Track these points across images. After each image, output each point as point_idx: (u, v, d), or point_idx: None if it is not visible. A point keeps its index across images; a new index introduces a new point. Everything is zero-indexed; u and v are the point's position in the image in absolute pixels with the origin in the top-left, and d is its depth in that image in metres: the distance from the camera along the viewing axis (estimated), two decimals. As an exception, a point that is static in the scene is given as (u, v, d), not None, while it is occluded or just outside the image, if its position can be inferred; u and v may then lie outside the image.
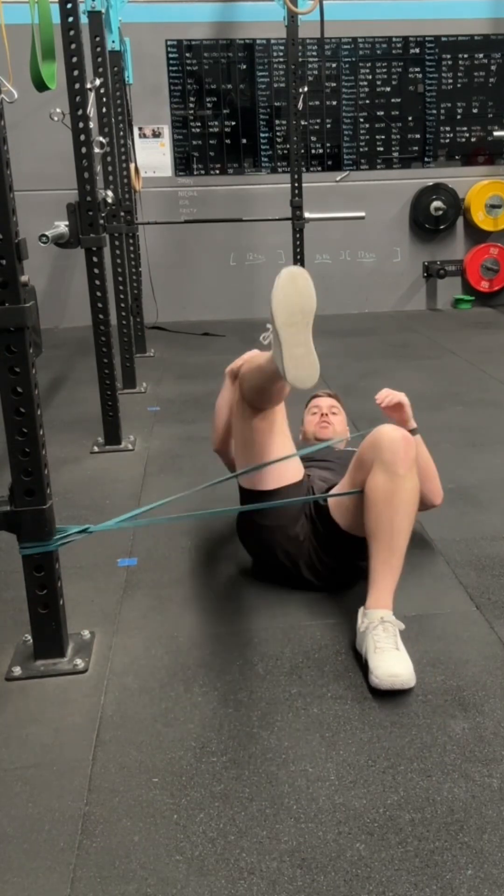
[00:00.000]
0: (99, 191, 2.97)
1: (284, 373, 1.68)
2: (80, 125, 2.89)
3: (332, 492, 2.03)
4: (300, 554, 2.03)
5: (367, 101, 6.33)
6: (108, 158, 3.80)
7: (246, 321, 6.20)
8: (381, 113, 6.37)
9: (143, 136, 6.14)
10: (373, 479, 1.83)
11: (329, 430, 2.47)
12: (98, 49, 3.62)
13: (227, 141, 6.26)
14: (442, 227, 6.46)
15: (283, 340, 1.68)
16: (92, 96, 3.00)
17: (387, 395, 2.15)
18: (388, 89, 6.32)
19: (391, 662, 1.66)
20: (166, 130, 6.20)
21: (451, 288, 6.63)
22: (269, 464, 2.00)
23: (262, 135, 6.28)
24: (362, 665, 1.73)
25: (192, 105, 6.18)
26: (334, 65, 6.23)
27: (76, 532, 1.75)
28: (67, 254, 3.99)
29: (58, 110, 2.92)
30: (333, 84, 6.26)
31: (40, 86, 2.48)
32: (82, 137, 2.90)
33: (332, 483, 2.09)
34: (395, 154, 6.45)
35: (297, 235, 4.97)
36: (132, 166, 4.80)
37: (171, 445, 3.32)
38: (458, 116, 6.43)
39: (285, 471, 2.03)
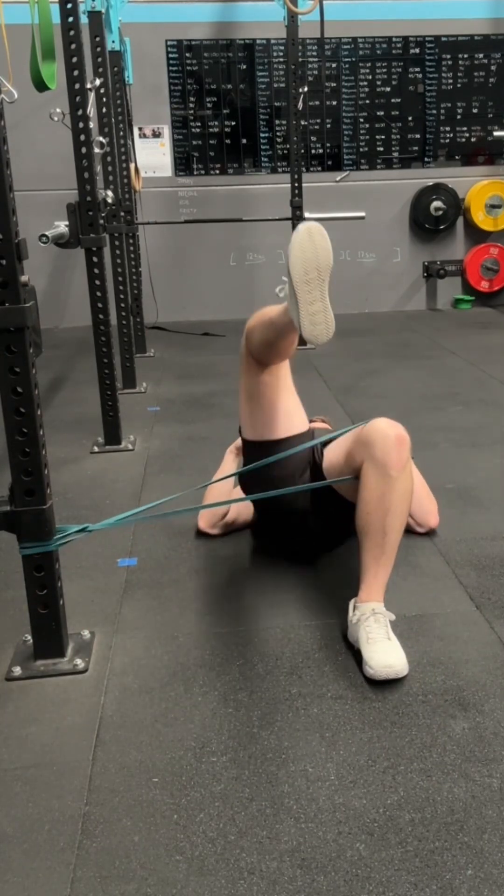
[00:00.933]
0: (99, 191, 2.97)
1: (301, 329, 1.70)
2: (80, 125, 2.89)
3: (329, 446, 2.08)
4: (304, 502, 2.07)
5: (367, 101, 6.33)
6: (108, 158, 3.79)
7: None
8: (381, 113, 6.37)
9: (143, 136, 6.14)
10: (364, 479, 1.84)
11: None
12: (98, 49, 3.62)
13: (227, 141, 6.27)
14: (442, 227, 6.46)
15: (300, 297, 1.69)
16: (92, 96, 3.00)
17: None
18: (388, 89, 6.33)
19: (384, 653, 1.69)
20: (166, 130, 6.20)
21: (451, 288, 6.63)
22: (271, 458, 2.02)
23: (262, 135, 6.28)
24: (356, 655, 1.74)
25: (192, 105, 6.18)
26: (334, 65, 6.23)
27: (75, 531, 1.75)
28: (67, 254, 3.99)
29: (58, 110, 2.92)
30: (333, 84, 6.27)
31: (40, 86, 2.48)
32: (82, 137, 2.90)
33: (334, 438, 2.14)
34: (395, 154, 6.45)
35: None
36: (132, 166, 4.80)
37: (171, 445, 3.32)
38: (458, 116, 6.43)
39: (291, 419, 2.06)
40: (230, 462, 2.44)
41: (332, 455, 2.03)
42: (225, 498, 2.33)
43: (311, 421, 2.65)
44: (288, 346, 1.95)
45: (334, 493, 2.03)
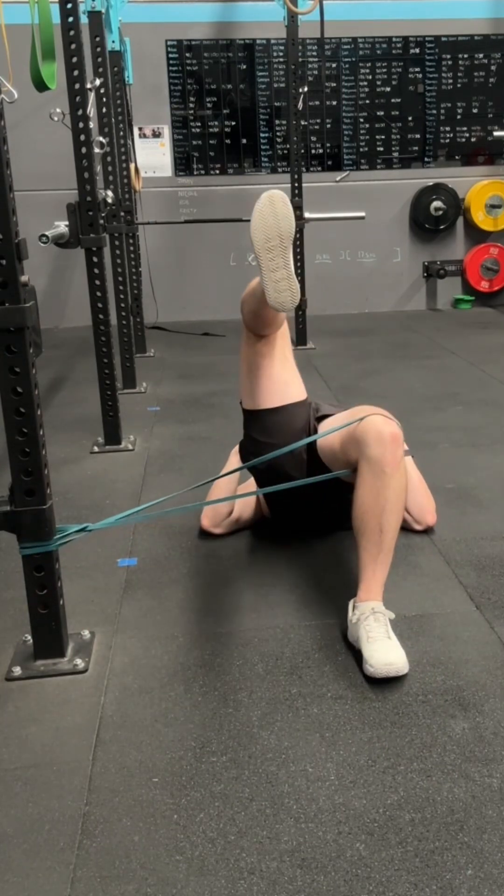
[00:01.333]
0: (99, 191, 2.97)
1: (267, 297, 1.72)
2: (80, 125, 2.89)
3: (324, 422, 2.11)
4: (300, 468, 2.10)
5: (367, 101, 6.33)
6: (108, 158, 3.80)
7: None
8: (381, 113, 6.37)
9: (143, 136, 6.14)
10: (360, 477, 1.85)
11: None
12: (98, 49, 3.62)
13: (227, 141, 6.27)
14: (442, 227, 6.46)
15: (262, 265, 1.72)
16: (92, 96, 3.00)
17: None
18: (388, 89, 6.32)
19: (384, 651, 1.69)
20: (166, 130, 6.20)
21: (451, 288, 6.63)
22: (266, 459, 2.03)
23: (262, 135, 6.28)
24: (356, 655, 1.74)
25: (192, 105, 6.18)
26: (334, 65, 6.23)
27: (75, 531, 1.75)
28: (67, 254, 3.99)
29: (58, 110, 2.92)
30: (333, 84, 6.26)
31: (40, 86, 2.48)
32: (82, 137, 2.90)
33: (330, 413, 2.18)
34: (395, 154, 6.45)
35: (297, 235, 4.97)
36: (132, 166, 4.80)
37: (171, 445, 3.32)
38: (458, 116, 6.43)
39: (288, 388, 2.08)
40: (234, 464, 2.44)
41: (328, 438, 2.05)
42: (228, 496, 2.34)
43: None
44: (272, 315, 1.97)
45: (327, 469, 2.07)
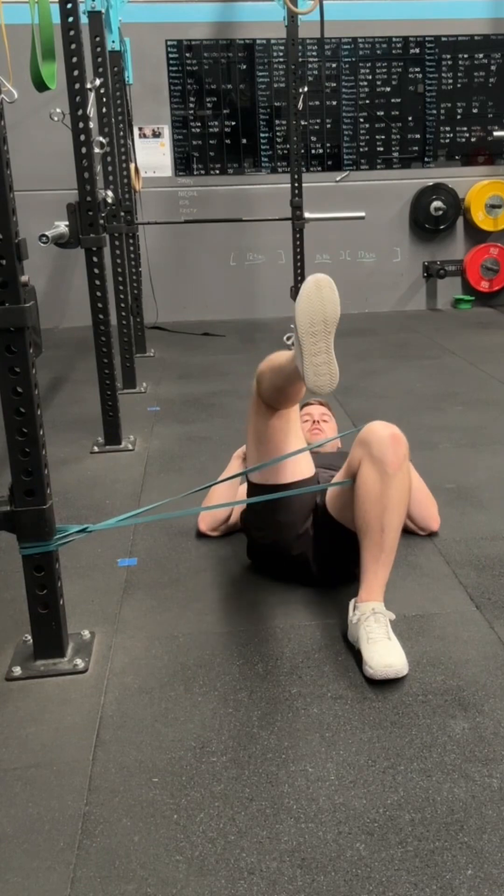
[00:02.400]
0: (99, 191, 2.97)
1: (304, 379, 1.71)
2: (80, 125, 2.89)
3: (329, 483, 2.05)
4: (305, 547, 2.05)
5: (367, 101, 6.33)
6: (108, 158, 3.80)
7: (246, 321, 6.20)
8: (381, 113, 6.37)
9: (143, 136, 6.14)
10: (362, 477, 1.84)
11: (321, 437, 2.54)
12: (98, 49, 3.62)
13: (227, 141, 6.26)
14: (442, 227, 6.46)
15: (305, 348, 1.70)
16: (92, 96, 3.00)
17: None
18: (388, 89, 6.32)
19: (384, 652, 1.69)
20: (166, 130, 6.20)
21: (451, 288, 6.63)
22: (278, 460, 2.00)
23: (262, 135, 6.28)
24: (356, 655, 1.73)
25: (192, 105, 6.18)
26: (334, 65, 6.23)
27: (75, 532, 1.75)
28: (67, 254, 3.99)
29: (58, 110, 2.92)
30: (333, 84, 6.26)
31: (40, 86, 2.48)
32: (82, 137, 2.90)
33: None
34: (395, 154, 6.45)
35: (297, 235, 4.97)
36: (132, 166, 4.80)
37: (171, 445, 3.32)
38: (458, 116, 6.43)
39: (299, 466, 2.05)
40: (236, 467, 2.43)
41: (335, 489, 2.01)
42: (227, 501, 2.33)
43: (308, 404, 2.66)
44: (296, 392, 1.93)
45: (338, 529, 2.00)
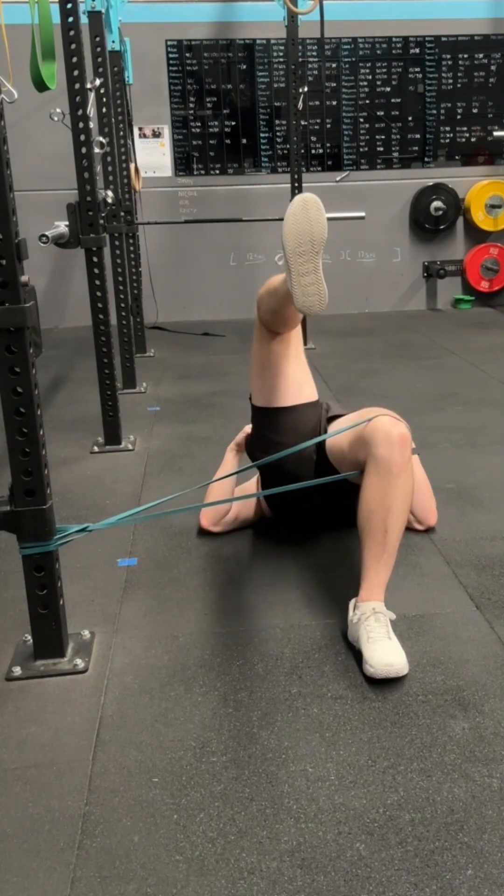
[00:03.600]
0: (99, 191, 2.97)
1: (294, 299, 1.73)
2: (80, 125, 2.89)
3: (334, 423, 2.10)
4: (309, 469, 2.09)
5: (367, 101, 6.33)
6: (108, 158, 3.79)
7: (246, 321, 6.17)
8: (381, 113, 6.37)
9: (143, 136, 6.14)
10: (367, 477, 1.85)
11: None
12: (98, 49, 3.62)
13: (227, 141, 6.27)
14: (442, 227, 6.46)
15: (292, 269, 1.72)
16: (92, 96, 3.00)
17: None
18: (388, 89, 6.32)
19: (384, 651, 1.69)
20: (166, 130, 6.20)
21: (451, 288, 6.63)
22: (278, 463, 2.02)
23: (262, 135, 6.28)
24: (356, 655, 1.73)
25: (192, 105, 6.18)
26: (334, 65, 6.23)
27: (75, 531, 1.75)
28: (67, 254, 3.99)
29: (58, 110, 2.92)
30: (333, 84, 6.26)
31: (40, 86, 2.48)
32: (82, 137, 2.90)
33: (341, 414, 2.17)
34: (395, 154, 6.45)
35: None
36: (132, 166, 4.80)
37: (171, 445, 3.32)
38: (458, 116, 6.43)
39: (301, 388, 2.09)
40: (231, 461, 2.44)
41: (336, 439, 2.04)
42: (227, 496, 2.34)
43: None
44: (292, 314, 1.98)
45: (335, 469, 2.05)
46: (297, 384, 2.11)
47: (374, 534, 1.81)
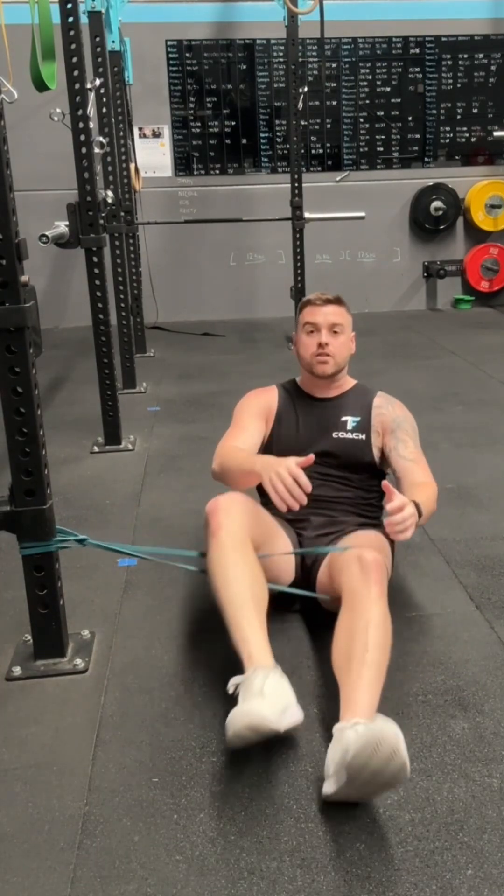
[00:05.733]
0: (99, 191, 2.97)
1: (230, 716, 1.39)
2: (80, 125, 2.89)
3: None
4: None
5: (367, 101, 6.33)
6: (108, 158, 3.80)
7: (246, 321, 6.20)
8: (381, 113, 6.37)
9: (143, 136, 6.14)
10: (340, 613, 1.64)
11: (329, 366, 2.09)
12: (98, 49, 3.62)
13: (227, 141, 6.26)
14: (442, 227, 6.46)
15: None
16: (92, 96, 3.00)
17: (400, 525, 1.67)
18: (388, 89, 6.32)
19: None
20: (166, 130, 6.20)
21: (451, 288, 6.63)
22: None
23: (262, 135, 6.28)
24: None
25: (192, 105, 6.18)
26: (334, 65, 6.22)
27: (74, 539, 1.75)
28: (67, 254, 3.98)
29: (58, 110, 2.92)
30: (333, 84, 6.26)
31: (40, 86, 2.48)
32: (82, 137, 2.90)
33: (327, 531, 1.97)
34: (395, 154, 6.45)
35: (297, 235, 4.97)
36: (132, 166, 4.80)
37: (171, 445, 3.32)
38: (458, 116, 6.43)
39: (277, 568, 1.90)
40: (252, 427, 2.15)
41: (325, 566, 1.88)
42: (243, 456, 2.05)
43: (310, 303, 2.24)
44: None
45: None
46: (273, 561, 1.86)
47: (356, 656, 1.50)
